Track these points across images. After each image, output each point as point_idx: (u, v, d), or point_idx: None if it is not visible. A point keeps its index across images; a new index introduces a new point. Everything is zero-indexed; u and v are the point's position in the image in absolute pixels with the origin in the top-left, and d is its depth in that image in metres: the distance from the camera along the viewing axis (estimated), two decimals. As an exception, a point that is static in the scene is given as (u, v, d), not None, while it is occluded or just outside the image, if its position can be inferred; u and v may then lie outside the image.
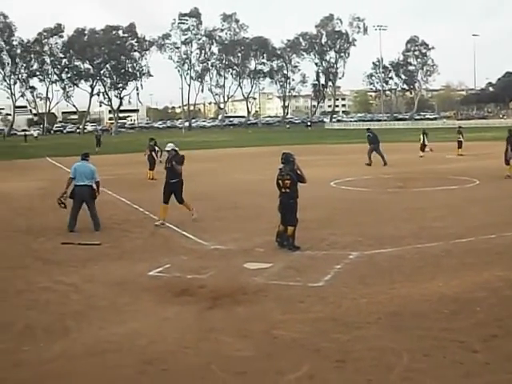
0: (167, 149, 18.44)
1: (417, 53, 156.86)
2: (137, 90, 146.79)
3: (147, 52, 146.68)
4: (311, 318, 9.55)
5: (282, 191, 14.48)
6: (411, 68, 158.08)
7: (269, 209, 17.32)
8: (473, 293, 10.58)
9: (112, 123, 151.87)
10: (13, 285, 12.05)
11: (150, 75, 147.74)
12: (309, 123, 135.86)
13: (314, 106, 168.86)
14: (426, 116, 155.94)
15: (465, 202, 20.87)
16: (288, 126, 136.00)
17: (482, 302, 10.05)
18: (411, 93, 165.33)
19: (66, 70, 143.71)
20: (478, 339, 8.48)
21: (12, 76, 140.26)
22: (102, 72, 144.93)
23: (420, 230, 16.18)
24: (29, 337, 9.18)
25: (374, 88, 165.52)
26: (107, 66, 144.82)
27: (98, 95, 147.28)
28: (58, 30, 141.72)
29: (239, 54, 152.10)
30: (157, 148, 32.55)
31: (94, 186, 17.76)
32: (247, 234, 16.37)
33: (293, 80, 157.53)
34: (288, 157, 14.59)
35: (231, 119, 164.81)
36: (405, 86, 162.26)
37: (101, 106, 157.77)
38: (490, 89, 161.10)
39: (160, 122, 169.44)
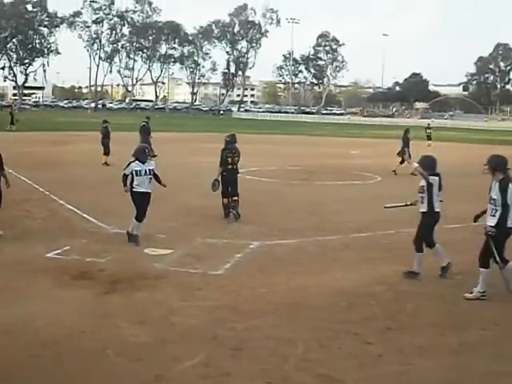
0: None
1: (327, 48, 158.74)
2: (43, 66, 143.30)
3: (57, 29, 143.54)
4: (209, 306, 9.57)
5: (228, 168, 16.52)
6: (321, 63, 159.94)
7: (171, 194, 17.25)
8: (370, 286, 10.82)
9: (16, 99, 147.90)
10: None
11: (58, 53, 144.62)
12: (221, 112, 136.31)
13: (223, 94, 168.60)
14: (333, 111, 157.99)
15: (366, 198, 21.27)
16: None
17: (378, 296, 10.30)
18: (319, 87, 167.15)
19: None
20: (372, 332, 8.68)
21: None
22: (8, 46, 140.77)
23: (321, 223, 16.42)
24: None
25: (283, 80, 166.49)
26: (14, 40, 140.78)
27: (3, 69, 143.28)
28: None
29: (150, 38, 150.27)
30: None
31: None
32: (149, 219, 16.19)
33: (203, 67, 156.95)
34: (235, 137, 16.96)
35: (139, 103, 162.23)
36: (314, 80, 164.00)
37: (5, 81, 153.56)
38: (397, 88, 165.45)
39: (66, 102, 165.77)
